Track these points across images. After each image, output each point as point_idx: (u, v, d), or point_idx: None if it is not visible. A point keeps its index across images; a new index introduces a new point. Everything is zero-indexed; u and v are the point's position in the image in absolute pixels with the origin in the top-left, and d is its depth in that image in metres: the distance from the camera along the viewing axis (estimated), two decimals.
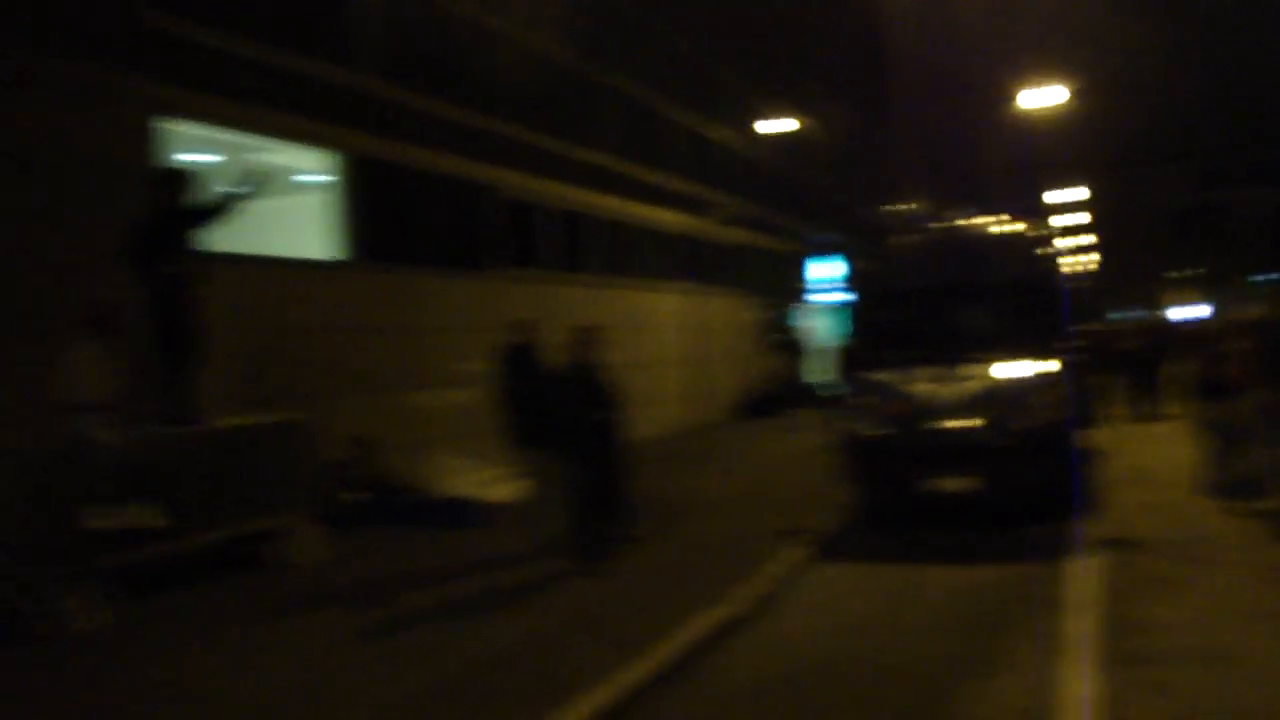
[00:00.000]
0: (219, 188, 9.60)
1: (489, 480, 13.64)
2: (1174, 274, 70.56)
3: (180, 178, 9.49)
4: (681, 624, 7.47)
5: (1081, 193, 54.91)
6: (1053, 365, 10.64)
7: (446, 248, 15.49)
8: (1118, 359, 21.93)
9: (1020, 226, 12.42)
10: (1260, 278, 55.78)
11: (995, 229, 12.50)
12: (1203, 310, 51.00)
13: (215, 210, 9.39)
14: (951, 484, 10.55)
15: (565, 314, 14.82)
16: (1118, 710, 5.65)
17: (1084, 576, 8.54)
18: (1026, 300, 11.11)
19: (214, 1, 11.82)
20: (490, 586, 9.01)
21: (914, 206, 30.88)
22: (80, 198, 9.73)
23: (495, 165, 16.69)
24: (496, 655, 7.04)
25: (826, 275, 34.14)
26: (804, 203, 33.69)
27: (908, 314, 12.16)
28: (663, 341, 22.67)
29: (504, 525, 11.42)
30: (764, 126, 29.06)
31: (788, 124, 30.12)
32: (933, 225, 13.61)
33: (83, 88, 10.00)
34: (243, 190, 9.44)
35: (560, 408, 9.67)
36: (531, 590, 8.77)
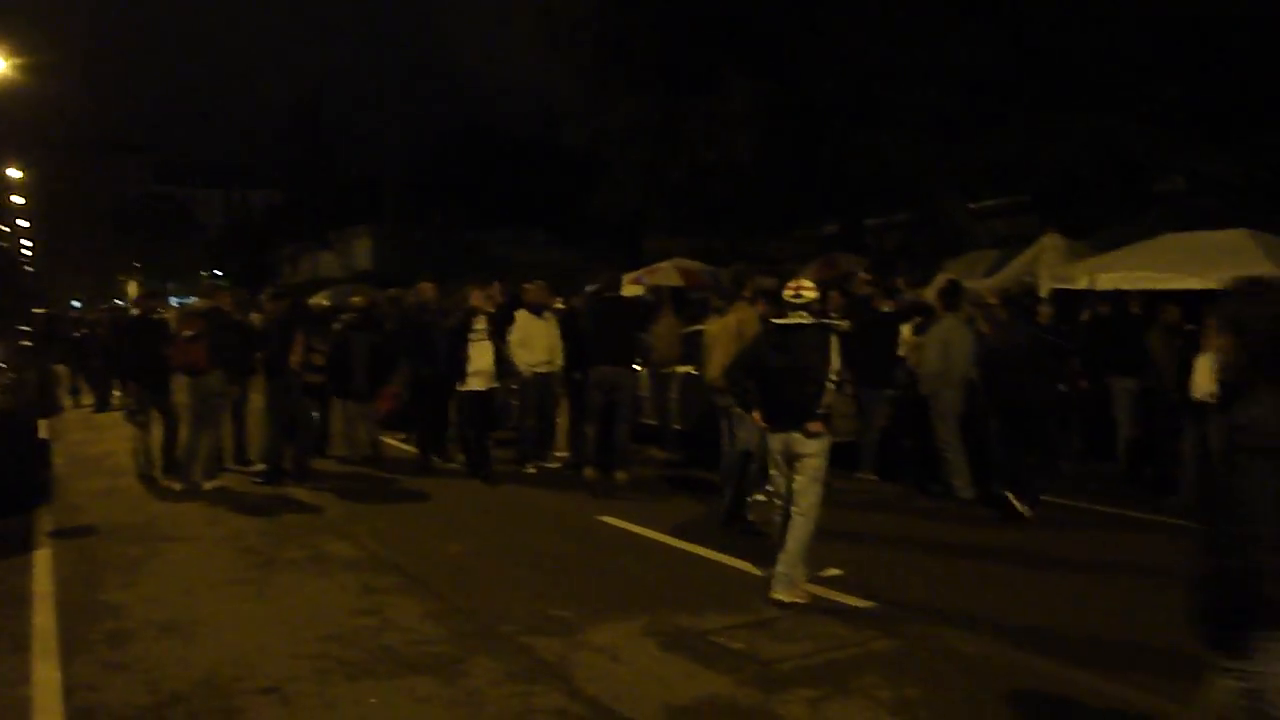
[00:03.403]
0: None
1: None
2: (136, 264, 70.93)
3: None
4: None
5: (15, 173, 50.95)
6: (3, 350, 10.06)
7: None
8: (70, 347, 21.54)
9: None
10: (214, 272, 59.02)
11: None
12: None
13: None
14: None
15: None
16: (83, 696, 5.56)
17: (42, 568, 8.28)
18: None
19: None
20: None
21: None
22: None
23: None
24: None
25: None
26: None
27: None
28: None
29: None
30: None
31: None
32: None
33: None
34: None
35: None
36: None
